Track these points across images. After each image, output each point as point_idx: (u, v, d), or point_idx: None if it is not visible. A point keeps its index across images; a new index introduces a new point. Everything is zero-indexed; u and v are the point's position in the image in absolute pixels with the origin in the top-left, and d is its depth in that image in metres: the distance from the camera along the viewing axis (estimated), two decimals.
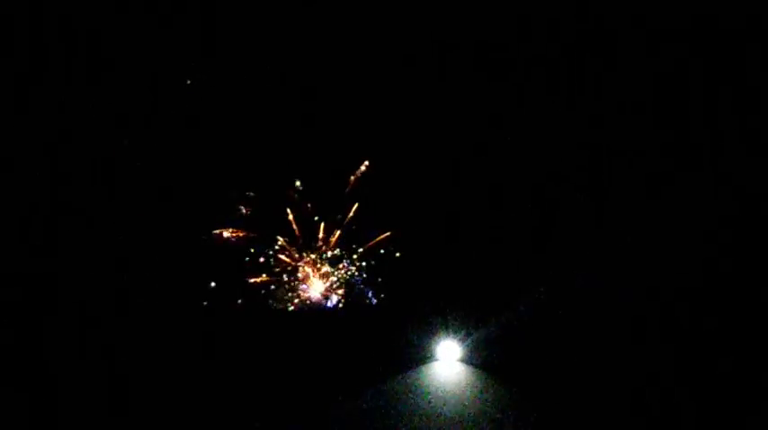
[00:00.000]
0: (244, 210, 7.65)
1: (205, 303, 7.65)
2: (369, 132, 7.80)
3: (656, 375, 6.69)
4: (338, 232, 8.08)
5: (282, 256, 8.08)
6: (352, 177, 7.83)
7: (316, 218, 8.08)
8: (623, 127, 7.45)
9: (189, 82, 7.56)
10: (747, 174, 7.12)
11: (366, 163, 7.90)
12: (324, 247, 8.13)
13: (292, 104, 7.81)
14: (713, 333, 6.83)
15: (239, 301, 7.84)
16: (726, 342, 6.78)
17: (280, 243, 7.99)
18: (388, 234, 7.89)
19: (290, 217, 7.91)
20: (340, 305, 7.99)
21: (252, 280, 7.93)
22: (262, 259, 7.95)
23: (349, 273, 8.07)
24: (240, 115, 7.77)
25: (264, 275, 7.98)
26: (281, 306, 7.97)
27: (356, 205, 7.89)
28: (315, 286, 8.12)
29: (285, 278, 8.08)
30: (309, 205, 8.03)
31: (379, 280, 8.07)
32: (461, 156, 7.83)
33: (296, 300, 8.04)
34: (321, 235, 8.09)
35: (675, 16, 7.19)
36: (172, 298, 7.45)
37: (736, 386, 6.37)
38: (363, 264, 8.04)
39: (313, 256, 8.11)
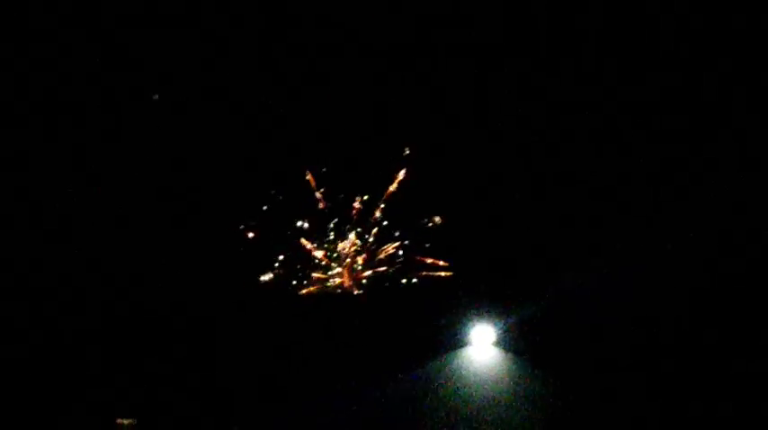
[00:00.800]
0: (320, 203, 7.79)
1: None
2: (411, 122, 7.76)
3: (696, 368, 6.65)
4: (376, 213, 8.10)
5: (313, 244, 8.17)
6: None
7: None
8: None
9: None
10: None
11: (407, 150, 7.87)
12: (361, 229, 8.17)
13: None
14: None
15: (273, 286, 7.99)
16: None
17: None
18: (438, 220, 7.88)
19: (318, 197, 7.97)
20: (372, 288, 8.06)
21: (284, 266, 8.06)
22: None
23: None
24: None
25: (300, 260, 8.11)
26: (317, 290, 8.09)
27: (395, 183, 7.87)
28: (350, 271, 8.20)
29: (319, 262, 8.16)
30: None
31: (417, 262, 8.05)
32: (502, 143, 7.72)
33: (330, 285, 8.15)
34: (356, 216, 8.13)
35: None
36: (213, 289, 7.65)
37: None
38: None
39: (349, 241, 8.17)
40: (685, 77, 7.27)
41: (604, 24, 7.37)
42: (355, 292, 8.08)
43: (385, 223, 8.05)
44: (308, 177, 7.97)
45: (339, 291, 8.08)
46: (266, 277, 8.00)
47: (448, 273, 7.86)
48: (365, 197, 8.02)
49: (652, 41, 7.30)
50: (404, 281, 7.99)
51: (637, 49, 7.33)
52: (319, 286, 8.09)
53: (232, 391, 7.18)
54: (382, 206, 8.02)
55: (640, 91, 7.40)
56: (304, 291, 8.03)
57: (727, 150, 7.12)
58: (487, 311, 7.50)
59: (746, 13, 6.89)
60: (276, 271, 7.99)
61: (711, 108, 7.17)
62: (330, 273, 8.12)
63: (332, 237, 8.14)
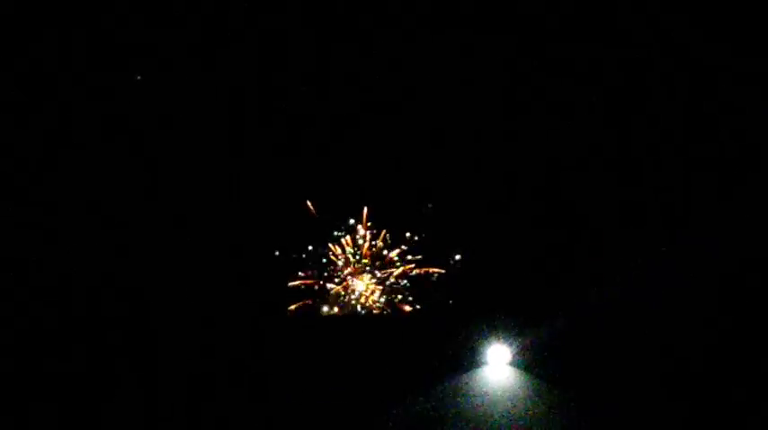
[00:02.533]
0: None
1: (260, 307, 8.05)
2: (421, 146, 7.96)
3: (711, 391, 6.57)
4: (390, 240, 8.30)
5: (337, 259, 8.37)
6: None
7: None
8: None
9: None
10: None
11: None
12: (378, 253, 8.37)
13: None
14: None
15: (293, 307, 8.19)
16: None
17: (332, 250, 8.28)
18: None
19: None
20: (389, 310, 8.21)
21: (303, 283, 8.26)
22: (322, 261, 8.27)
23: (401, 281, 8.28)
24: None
25: (317, 279, 8.32)
26: (334, 310, 8.27)
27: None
28: (366, 290, 8.37)
29: (338, 282, 8.36)
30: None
31: (431, 284, 8.20)
32: (516, 162, 7.87)
33: (347, 304, 8.32)
34: (378, 242, 8.33)
35: None
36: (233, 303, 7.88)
37: None
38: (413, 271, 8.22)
39: (365, 262, 8.36)
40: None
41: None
42: (372, 312, 8.24)
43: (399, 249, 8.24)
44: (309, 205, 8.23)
45: (356, 311, 8.25)
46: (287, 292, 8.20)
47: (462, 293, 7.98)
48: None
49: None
50: (419, 302, 8.13)
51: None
52: (336, 307, 8.27)
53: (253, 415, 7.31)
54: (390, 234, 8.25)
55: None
56: (324, 310, 8.23)
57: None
58: (503, 331, 7.56)
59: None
60: (297, 287, 8.21)
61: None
62: (346, 296, 8.33)
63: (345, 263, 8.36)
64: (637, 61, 7.52)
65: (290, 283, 8.10)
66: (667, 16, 7.23)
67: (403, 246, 8.27)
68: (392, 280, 8.29)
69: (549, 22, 7.55)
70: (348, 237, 8.34)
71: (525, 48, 7.65)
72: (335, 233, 8.33)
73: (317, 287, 8.29)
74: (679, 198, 7.47)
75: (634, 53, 7.52)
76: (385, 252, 8.37)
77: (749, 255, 7.02)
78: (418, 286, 8.24)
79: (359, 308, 8.31)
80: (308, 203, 8.18)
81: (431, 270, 8.07)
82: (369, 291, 8.22)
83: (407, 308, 8.15)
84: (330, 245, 8.28)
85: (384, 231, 8.29)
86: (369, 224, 8.30)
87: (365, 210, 8.23)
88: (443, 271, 8.13)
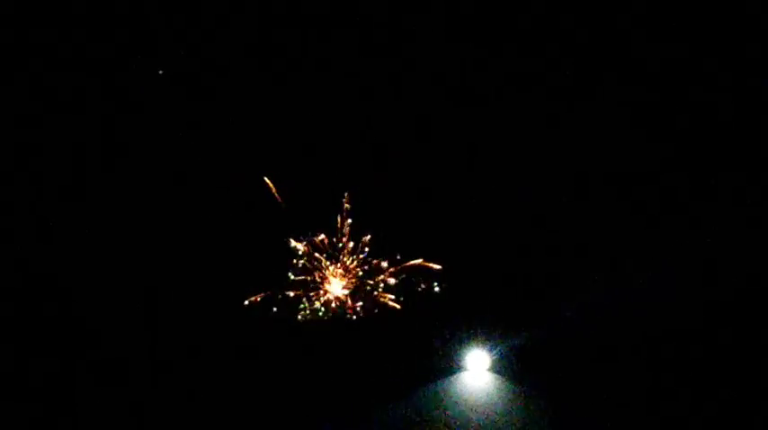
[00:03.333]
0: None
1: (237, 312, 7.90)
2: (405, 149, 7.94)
3: (685, 393, 6.69)
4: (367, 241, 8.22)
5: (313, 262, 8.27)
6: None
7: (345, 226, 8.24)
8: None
9: None
10: None
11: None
12: (353, 257, 8.28)
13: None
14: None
15: (272, 311, 8.06)
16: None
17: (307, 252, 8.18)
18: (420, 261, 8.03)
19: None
20: (364, 314, 8.13)
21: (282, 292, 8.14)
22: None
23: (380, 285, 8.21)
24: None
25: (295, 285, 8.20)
26: (309, 316, 8.15)
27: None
28: (341, 294, 8.28)
29: (314, 288, 8.25)
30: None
31: (410, 289, 8.15)
32: (494, 171, 7.91)
33: (324, 311, 8.21)
34: (350, 244, 8.24)
35: None
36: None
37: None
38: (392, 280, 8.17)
39: (340, 266, 8.27)
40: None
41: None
42: (348, 318, 8.14)
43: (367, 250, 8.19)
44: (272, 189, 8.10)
45: (329, 316, 8.15)
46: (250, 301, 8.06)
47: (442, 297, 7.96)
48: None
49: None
50: (398, 306, 8.07)
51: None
52: (311, 313, 8.16)
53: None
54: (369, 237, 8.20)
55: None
56: (299, 317, 8.10)
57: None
58: (482, 337, 7.56)
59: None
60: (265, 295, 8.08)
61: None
62: (321, 300, 8.22)
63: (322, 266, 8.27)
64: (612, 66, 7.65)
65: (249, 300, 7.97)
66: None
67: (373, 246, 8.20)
68: (371, 283, 8.21)
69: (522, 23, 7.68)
70: (324, 237, 8.23)
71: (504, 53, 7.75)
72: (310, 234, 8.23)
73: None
74: (657, 206, 7.59)
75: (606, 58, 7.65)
76: (365, 256, 8.30)
77: (726, 264, 7.17)
78: (398, 292, 8.16)
79: (335, 311, 8.19)
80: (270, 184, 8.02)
81: (416, 266, 8.00)
82: (346, 296, 8.13)
83: (392, 304, 8.05)
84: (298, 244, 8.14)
85: (366, 237, 8.22)
86: (348, 222, 8.22)
87: (344, 199, 8.13)
88: (424, 276, 8.06)
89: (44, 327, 7.39)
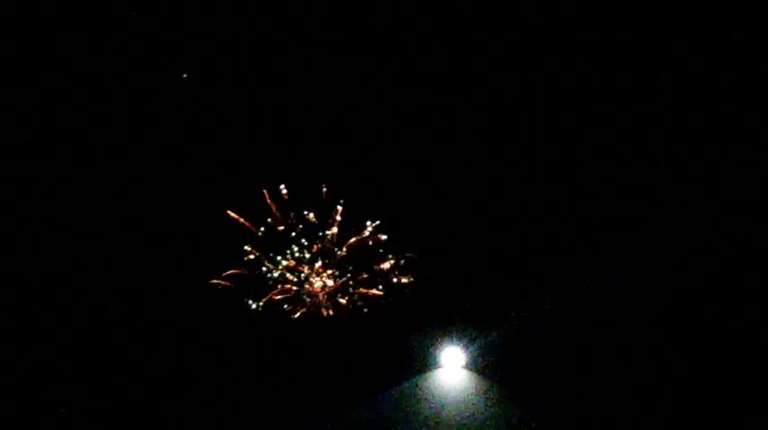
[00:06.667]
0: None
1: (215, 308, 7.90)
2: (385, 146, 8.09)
3: (657, 384, 6.74)
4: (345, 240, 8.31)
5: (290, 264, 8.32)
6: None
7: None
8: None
9: None
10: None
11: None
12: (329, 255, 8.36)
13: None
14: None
15: (251, 307, 8.07)
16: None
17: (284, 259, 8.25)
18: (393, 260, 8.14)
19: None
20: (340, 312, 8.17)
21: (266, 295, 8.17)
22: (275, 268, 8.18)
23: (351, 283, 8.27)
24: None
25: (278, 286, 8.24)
26: (286, 312, 8.17)
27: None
28: (320, 293, 8.31)
29: (291, 286, 8.29)
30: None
31: (385, 288, 8.22)
32: (470, 166, 8.06)
33: (300, 308, 8.24)
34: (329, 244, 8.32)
35: None
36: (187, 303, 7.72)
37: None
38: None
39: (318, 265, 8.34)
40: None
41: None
42: (324, 314, 8.18)
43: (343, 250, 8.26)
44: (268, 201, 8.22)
45: (306, 310, 8.18)
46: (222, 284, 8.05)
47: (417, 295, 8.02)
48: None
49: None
50: (374, 303, 8.13)
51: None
52: (288, 308, 8.18)
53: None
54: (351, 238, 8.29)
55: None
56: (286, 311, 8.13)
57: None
58: (457, 334, 7.62)
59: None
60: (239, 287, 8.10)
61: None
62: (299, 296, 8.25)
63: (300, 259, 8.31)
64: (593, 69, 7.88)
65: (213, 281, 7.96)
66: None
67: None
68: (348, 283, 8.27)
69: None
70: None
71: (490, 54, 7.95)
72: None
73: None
74: (632, 205, 7.75)
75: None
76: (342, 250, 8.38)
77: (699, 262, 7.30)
78: (375, 286, 8.23)
79: (312, 305, 8.22)
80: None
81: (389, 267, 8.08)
82: (323, 292, 8.17)
83: (374, 292, 8.09)
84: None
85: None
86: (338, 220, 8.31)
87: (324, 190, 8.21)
88: (399, 272, 8.14)
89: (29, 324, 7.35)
